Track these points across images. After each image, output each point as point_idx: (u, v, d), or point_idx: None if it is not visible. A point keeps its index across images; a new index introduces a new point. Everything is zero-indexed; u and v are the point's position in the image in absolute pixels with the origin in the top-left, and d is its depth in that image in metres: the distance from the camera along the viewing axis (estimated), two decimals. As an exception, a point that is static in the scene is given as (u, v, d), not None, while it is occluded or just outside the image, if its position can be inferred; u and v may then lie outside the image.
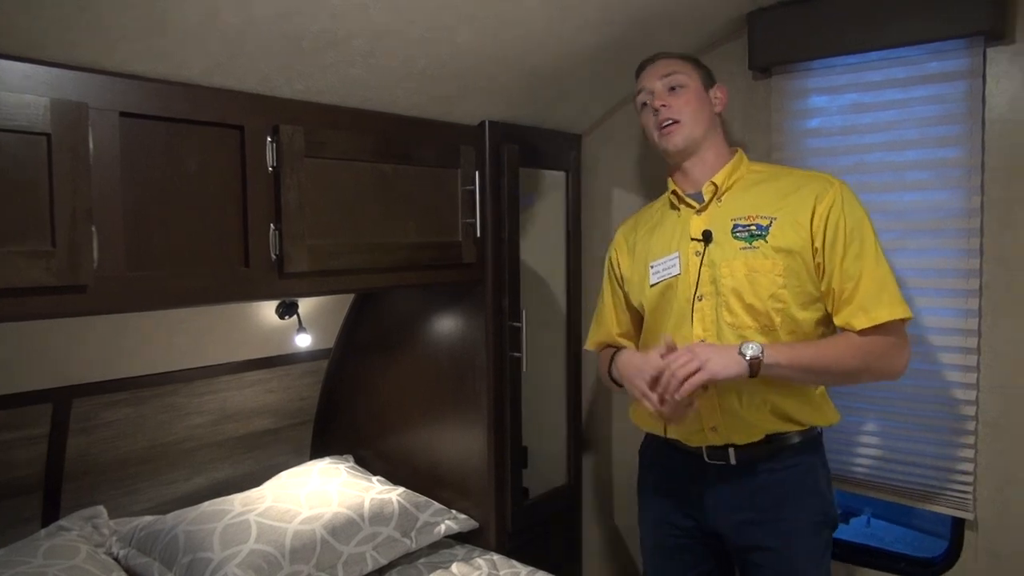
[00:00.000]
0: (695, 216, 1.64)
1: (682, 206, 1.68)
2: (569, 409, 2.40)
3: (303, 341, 2.31)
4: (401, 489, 2.16)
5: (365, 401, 2.43)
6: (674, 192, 1.70)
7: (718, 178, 1.63)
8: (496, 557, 2.05)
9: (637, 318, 1.78)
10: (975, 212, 1.74)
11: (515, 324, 2.10)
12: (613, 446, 2.48)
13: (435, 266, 1.94)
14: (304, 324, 2.29)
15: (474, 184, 1.98)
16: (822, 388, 1.62)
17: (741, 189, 1.63)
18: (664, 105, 1.63)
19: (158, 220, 1.42)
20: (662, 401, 1.45)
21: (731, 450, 1.58)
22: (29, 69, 1.23)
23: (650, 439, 1.78)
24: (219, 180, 1.51)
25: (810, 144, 1.95)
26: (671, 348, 1.46)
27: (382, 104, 1.78)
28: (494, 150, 2.04)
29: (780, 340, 1.52)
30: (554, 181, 2.34)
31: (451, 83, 1.82)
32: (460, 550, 2.11)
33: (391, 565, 1.97)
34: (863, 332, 1.48)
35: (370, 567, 1.90)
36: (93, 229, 1.29)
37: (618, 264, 1.82)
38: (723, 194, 1.63)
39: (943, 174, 1.79)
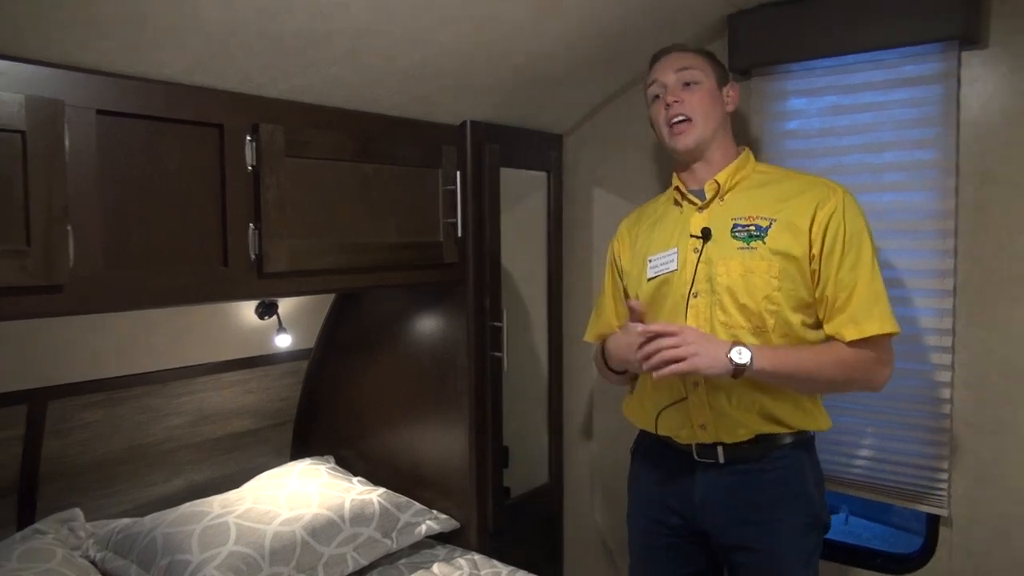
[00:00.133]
0: (696, 213, 1.64)
1: (684, 202, 1.68)
2: (550, 408, 2.41)
3: (283, 341, 2.29)
4: (382, 490, 2.15)
5: (346, 402, 2.42)
6: (677, 188, 1.70)
7: (721, 177, 1.63)
8: (477, 557, 2.05)
9: None
10: (950, 213, 1.77)
11: (496, 324, 2.11)
12: (594, 445, 2.49)
13: (416, 266, 1.94)
14: (284, 324, 2.28)
15: (455, 184, 1.98)
16: (811, 399, 1.61)
17: (744, 189, 1.63)
18: (677, 101, 1.62)
19: (136, 219, 1.41)
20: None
21: (720, 448, 1.58)
22: (4, 66, 1.21)
23: (643, 436, 1.77)
24: (198, 179, 1.49)
25: (789, 146, 1.97)
26: (638, 312, 1.50)
27: (363, 103, 1.78)
28: (476, 150, 2.04)
29: (772, 342, 1.52)
30: (535, 181, 2.34)
31: (433, 83, 1.82)
32: (441, 550, 2.11)
33: (372, 566, 1.97)
34: (851, 344, 1.49)
35: (351, 568, 1.90)
36: (69, 228, 1.28)
37: (619, 256, 1.82)
38: (726, 193, 1.63)
39: (919, 176, 1.82)
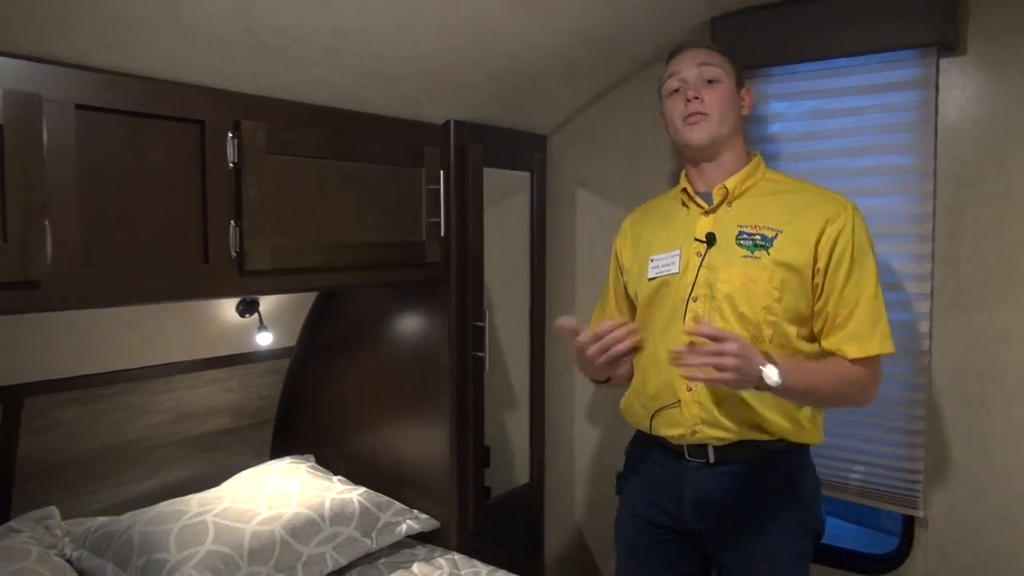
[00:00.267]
0: (702, 217, 1.62)
1: (691, 204, 1.66)
2: (532, 408, 2.41)
3: (264, 339, 2.28)
4: (362, 489, 2.15)
5: (327, 400, 2.42)
6: (684, 190, 1.67)
7: (731, 182, 1.60)
8: (457, 557, 2.05)
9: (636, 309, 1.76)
10: (927, 217, 1.79)
11: (478, 324, 2.11)
12: (575, 445, 2.50)
13: (398, 265, 1.94)
14: (265, 322, 2.27)
15: (439, 183, 1.98)
16: (809, 410, 1.58)
17: (753, 197, 1.61)
18: (697, 97, 1.58)
19: (115, 215, 1.40)
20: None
21: (710, 449, 1.57)
22: (-20, 59, 1.20)
23: (638, 435, 1.76)
24: (178, 175, 1.48)
25: (770, 150, 1.99)
26: (569, 331, 1.48)
27: (346, 102, 1.77)
28: (459, 150, 2.04)
29: (769, 352, 1.49)
30: (519, 181, 2.35)
31: (416, 82, 1.82)
32: (421, 550, 2.11)
33: (351, 565, 1.96)
34: (852, 361, 1.50)
35: (330, 567, 1.89)
36: (46, 224, 1.27)
37: (620, 253, 1.81)
38: (734, 199, 1.61)
39: (897, 180, 1.84)
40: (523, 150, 2.31)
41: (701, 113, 1.58)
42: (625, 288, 1.78)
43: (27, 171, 1.23)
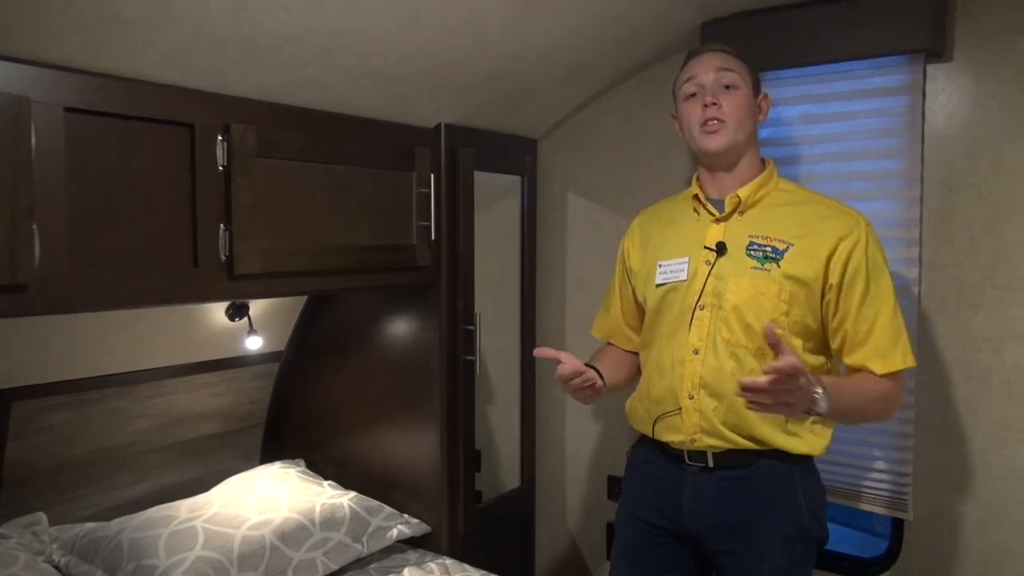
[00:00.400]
0: (713, 225, 1.60)
1: (702, 211, 1.64)
2: (523, 412, 2.41)
3: (254, 343, 2.27)
4: (353, 493, 2.14)
5: (317, 405, 2.41)
6: (696, 196, 1.65)
7: (743, 192, 1.58)
8: (448, 561, 2.05)
9: (642, 311, 1.75)
10: (914, 222, 1.80)
11: (469, 327, 2.11)
12: (566, 449, 2.50)
13: (389, 268, 1.93)
14: (255, 326, 2.26)
15: (429, 187, 1.98)
16: (811, 421, 1.56)
17: (765, 207, 1.59)
18: (715, 103, 1.55)
19: (104, 219, 1.39)
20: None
21: (709, 453, 1.56)
22: (-32, 61, 1.20)
23: (641, 438, 1.74)
24: (168, 179, 1.48)
25: (763, 154, 1.99)
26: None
27: (337, 104, 1.77)
28: (450, 153, 2.04)
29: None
30: (509, 185, 2.35)
31: (407, 85, 1.82)
32: (412, 555, 2.10)
33: (342, 570, 1.95)
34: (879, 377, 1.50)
35: (321, 573, 1.88)
36: (34, 227, 1.26)
37: (628, 255, 1.79)
38: (746, 209, 1.59)
39: (885, 185, 1.85)
40: (514, 154, 2.32)
41: (719, 120, 1.56)
42: (632, 291, 1.78)
43: (15, 174, 1.23)
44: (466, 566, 2.03)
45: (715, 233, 1.59)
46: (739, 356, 1.52)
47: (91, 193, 1.36)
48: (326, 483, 2.21)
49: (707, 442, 1.55)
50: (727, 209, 1.60)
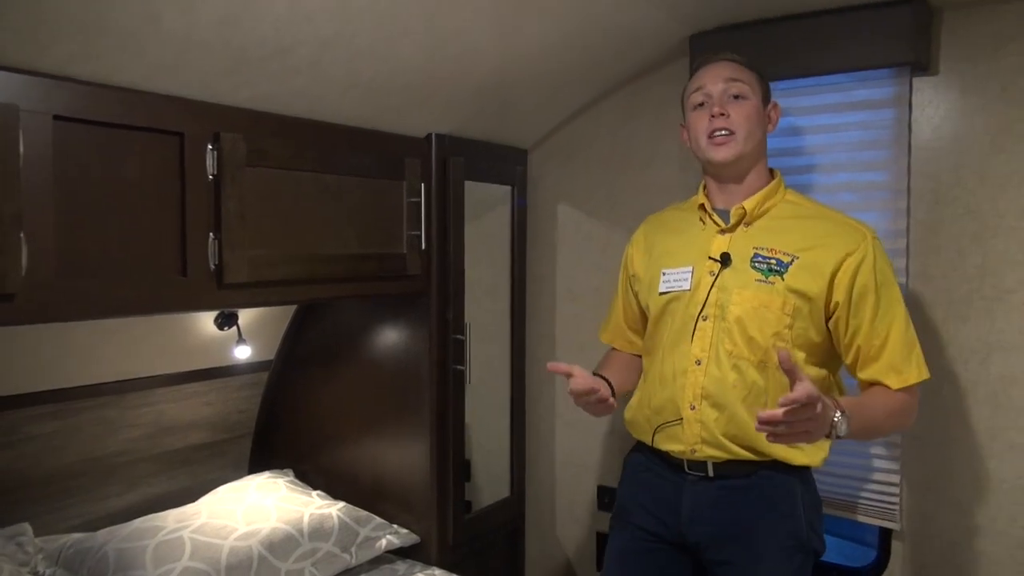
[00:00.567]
0: (718, 235, 1.60)
1: (708, 220, 1.64)
2: (512, 422, 2.41)
3: (243, 353, 2.26)
4: (341, 504, 2.13)
5: (306, 414, 2.40)
6: (702, 205, 1.65)
7: (749, 203, 1.57)
8: (438, 572, 2.04)
9: (645, 316, 1.75)
10: (901, 233, 1.82)
11: (459, 337, 2.11)
12: (557, 459, 2.50)
13: (379, 278, 1.93)
14: (244, 335, 2.25)
15: (420, 196, 1.98)
16: None
17: (771, 219, 1.58)
18: (723, 114, 1.55)
19: (93, 227, 1.38)
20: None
21: (709, 463, 1.56)
22: (-43, 69, 1.19)
23: (639, 444, 1.74)
24: (157, 187, 1.47)
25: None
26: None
27: (327, 114, 1.78)
28: (440, 163, 2.04)
29: (775, 377, 1.49)
30: (500, 195, 2.36)
31: (397, 95, 1.83)
32: (401, 565, 2.09)
33: (330, 581, 1.94)
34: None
35: (308, 583, 1.87)
36: (22, 236, 1.25)
37: (631, 261, 1.79)
38: (752, 221, 1.58)
39: (872, 197, 1.87)
40: (504, 163, 2.32)
41: (727, 130, 1.55)
42: (635, 297, 1.78)
43: (2, 182, 1.22)
44: (455, 576, 2.02)
45: (720, 244, 1.59)
46: (741, 368, 1.52)
47: (80, 202, 1.36)
48: (315, 493, 2.20)
49: (708, 452, 1.55)
50: (732, 220, 1.59)
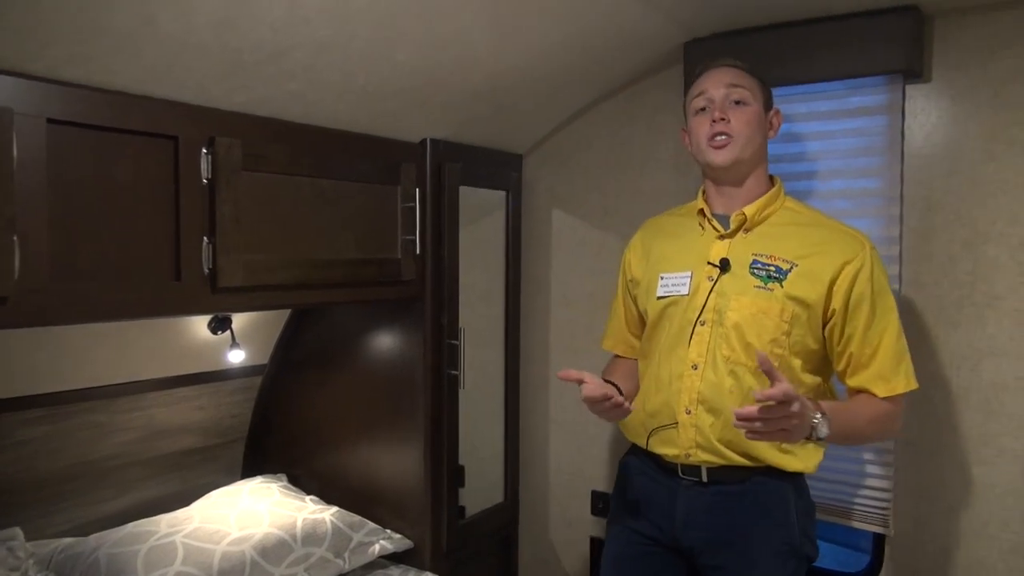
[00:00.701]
0: (717, 241, 1.60)
1: (707, 225, 1.64)
2: (506, 427, 2.41)
3: (236, 357, 2.26)
4: (335, 508, 2.13)
5: (300, 419, 2.39)
6: (701, 210, 1.65)
7: (749, 210, 1.58)
8: (431, 577, 2.04)
9: (644, 321, 1.75)
10: (894, 240, 1.83)
11: (453, 342, 2.10)
12: (550, 464, 2.50)
13: (373, 283, 1.93)
14: (238, 339, 2.25)
15: (415, 201, 1.98)
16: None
17: (771, 226, 1.59)
18: (724, 119, 1.56)
19: (86, 231, 1.38)
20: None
21: (703, 468, 1.56)
22: (-49, 72, 1.19)
23: (634, 448, 1.74)
24: (151, 191, 1.47)
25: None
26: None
27: (322, 119, 1.78)
28: (435, 168, 2.05)
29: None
30: (495, 200, 2.36)
31: (393, 100, 1.83)
32: (395, 570, 2.09)
33: (323, 586, 1.94)
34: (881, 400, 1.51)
35: (301, 589, 1.87)
36: (15, 239, 1.25)
37: (629, 265, 1.79)
38: (752, 227, 1.59)
39: (865, 204, 1.88)
40: (499, 169, 2.33)
41: (727, 135, 1.56)
42: (635, 301, 1.78)
43: (-4, 185, 1.22)
44: (449, 582, 2.02)
45: (719, 249, 1.59)
46: (738, 374, 1.52)
47: (73, 205, 1.35)
48: (308, 498, 2.20)
49: (702, 457, 1.55)
50: (732, 226, 1.60)
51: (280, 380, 2.44)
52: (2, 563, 1.77)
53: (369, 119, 1.86)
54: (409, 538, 2.13)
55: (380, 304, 2.12)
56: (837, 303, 1.51)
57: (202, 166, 1.53)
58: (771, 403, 1.26)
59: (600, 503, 2.36)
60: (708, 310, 1.55)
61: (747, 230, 1.60)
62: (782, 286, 1.51)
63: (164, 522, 1.94)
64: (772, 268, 1.53)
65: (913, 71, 1.78)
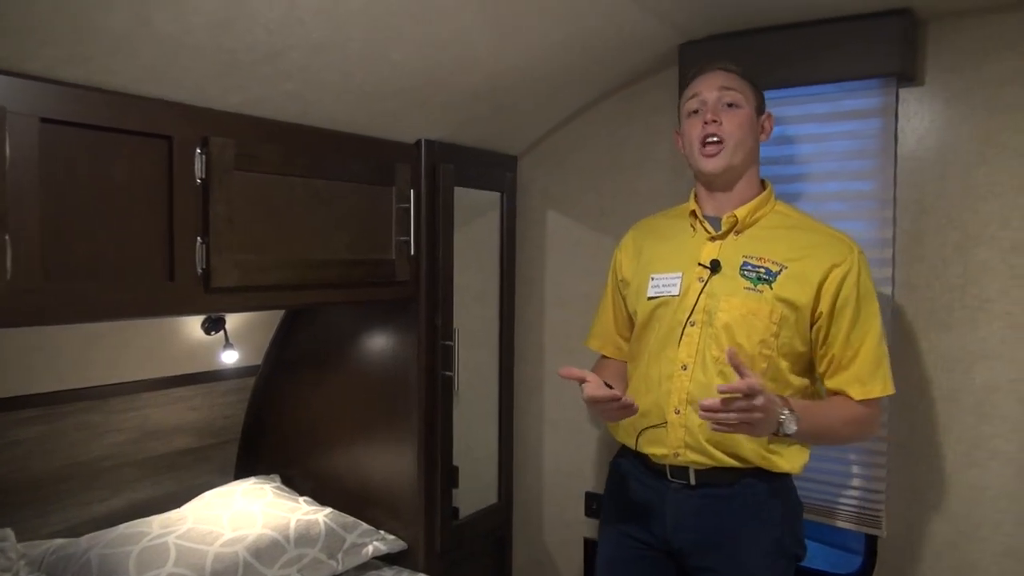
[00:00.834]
0: (708, 242, 1.62)
1: (698, 227, 1.66)
2: (500, 428, 2.41)
3: (230, 357, 2.25)
4: (328, 510, 2.12)
5: (293, 420, 2.39)
6: (693, 212, 1.67)
7: (740, 212, 1.60)
8: (424, 578, 2.04)
9: (633, 322, 1.76)
10: (887, 243, 1.83)
11: (447, 343, 2.10)
12: (544, 465, 2.50)
13: (368, 283, 1.93)
14: (231, 340, 2.24)
15: (409, 202, 1.98)
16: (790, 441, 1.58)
17: (761, 228, 1.61)
18: (715, 121, 1.58)
19: (79, 230, 1.38)
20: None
21: (691, 470, 1.58)
22: (-57, 71, 1.19)
23: (624, 449, 1.75)
24: (145, 191, 1.47)
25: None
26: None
27: (317, 119, 1.77)
28: (430, 169, 2.05)
29: (784, 396, 1.50)
30: (489, 201, 2.36)
31: (388, 101, 1.83)
32: (388, 572, 2.08)
33: (316, 587, 1.93)
34: (856, 402, 1.53)
35: (294, 590, 1.86)
36: (7, 238, 1.24)
37: (620, 266, 1.80)
38: (742, 229, 1.61)
39: (858, 206, 1.88)
40: (494, 170, 2.33)
41: (718, 137, 1.58)
42: (624, 301, 1.78)
43: (-12, 184, 1.21)
44: (442, 583, 2.01)
45: (710, 251, 1.61)
46: (727, 374, 1.52)
47: (66, 204, 1.35)
48: (301, 499, 2.19)
49: (690, 457, 1.56)
50: (723, 228, 1.61)
51: (274, 381, 2.43)
52: (-7, 564, 1.76)
53: (364, 120, 1.85)
54: (403, 539, 2.13)
55: (374, 305, 2.11)
56: (824, 306, 1.53)
57: (196, 166, 1.52)
58: (736, 395, 1.31)
59: (594, 504, 2.36)
60: (698, 311, 1.57)
61: (738, 232, 1.61)
62: (772, 288, 1.53)
63: (157, 523, 1.93)
64: (762, 270, 1.55)
65: (906, 74, 1.79)
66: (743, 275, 1.56)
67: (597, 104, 2.31)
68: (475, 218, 2.32)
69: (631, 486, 1.69)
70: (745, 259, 1.57)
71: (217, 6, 1.33)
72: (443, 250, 2.08)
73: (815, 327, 1.55)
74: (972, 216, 1.78)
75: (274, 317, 2.37)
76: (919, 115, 1.83)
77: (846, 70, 1.81)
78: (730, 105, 1.60)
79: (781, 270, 1.54)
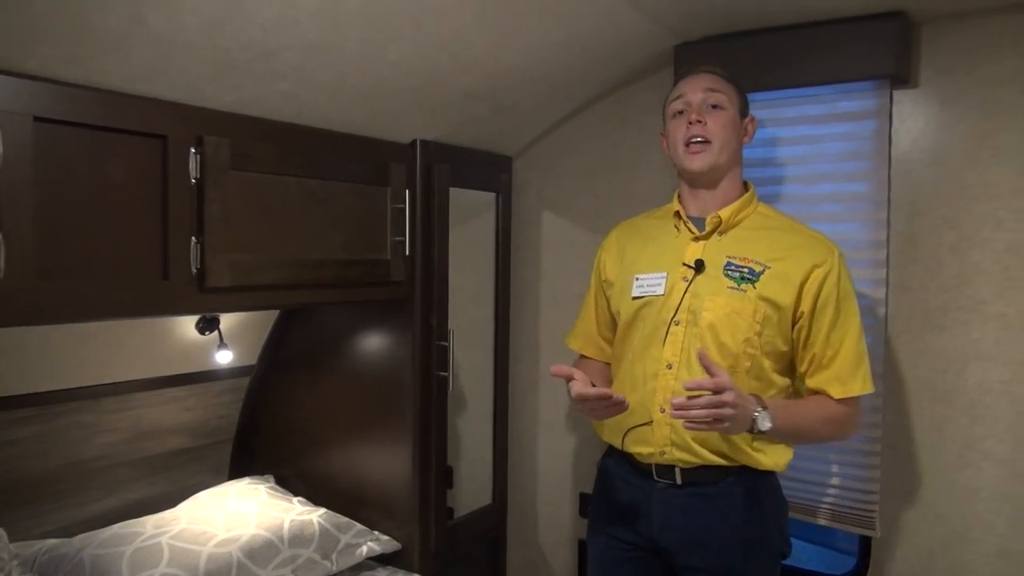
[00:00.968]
0: (692, 243, 1.64)
1: (682, 228, 1.67)
2: (495, 429, 2.41)
3: (224, 357, 2.25)
4: (323, 510, 2.12)
5: (288, 420, 2.38)
6: (676, 212, 1.68)
7: (724, 212, 1.62)
8: (418, 579, 2.03)
9: (616, 323, 1.77)
10: (881, 244, 1.84)
11: (442, 343, 2.10)
12: (539, 466, 2.50)
13: (363, 283, 1.93)
14: (225, 340, 2.24)
15: (404, 202, 1.98)
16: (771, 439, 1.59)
17: (744, 229, 1.63)
18: (700, 121, 1.60)
19: (73, 229, 1.37)
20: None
21: (677, 470, 1.59)
22: (-63, 69, 1.18)
23: (610, 450, 1.76)
24: (139, 190, 1.46)
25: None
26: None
27: (312, 119, 1.77)
28: (425, 169, 2.05)
29: (745, 383, 1.53)
30: (484, 201, 2.36)
31: (383, 101, 1.82)
32: (382, 572, 2.08)
33: (310, 588, 1.93)
34: (835, 401, 1.55)
35: (288, 590, 1.86)
36: (0, 237, 1.24)
37: (604, 266, 1.81)
38: (726, 230, 1.63)
39: (852, 208, 1.89)
40: (489, 171, 2.33)
41: (703, 139, 1.60)
42: (607, 301, 1.79)
43: (-19, 183, 1.21)
44: (436, 584, 2.01)
45: (694, 251, 1.63)
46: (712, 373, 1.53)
47: (61, 204, 1.35)
48: (296, 499, 2.19)
49: (676, 455, 1.57)
50: (707, 228, 1.63)
51: (268, 381, 2.43)
52: (-15, 564, 1.76)
53: (359, 119, 1.85)
54: (397, 540, 2.12)
55: (369, 305, 2.11)
56: (805, 306, 1.55)
57: (190, 165, 1.52)
58: (705, 392, 1.35)
59: (588, 505, 2.35)
60: (683, 310, 1.58)
61: (721, 233, 1.63)
62: (755, 287, 1.55)
63: (150, 523, 1.93)
64: (745, 270, 1.57)
65: (901, 76, 1.79)
66: (727, 275, 1.58)
67: (592, 105, 2.32)
68: (470, 219, 2.32)
69: (617, 486, 1.71)
70: (729, 259, 1.59)
71: (212, 5, 1.33)
72: (438, 250, 2.08)
73: (796, 327, 1.57)
74: (966, 218, 1.79)
75: (269, 317, 2.36)
76: (913, 117, 1.84)
77: (840, 72, 1.82)
78: (715, 107, 1.62)
79: (764, 270, 1.56)
